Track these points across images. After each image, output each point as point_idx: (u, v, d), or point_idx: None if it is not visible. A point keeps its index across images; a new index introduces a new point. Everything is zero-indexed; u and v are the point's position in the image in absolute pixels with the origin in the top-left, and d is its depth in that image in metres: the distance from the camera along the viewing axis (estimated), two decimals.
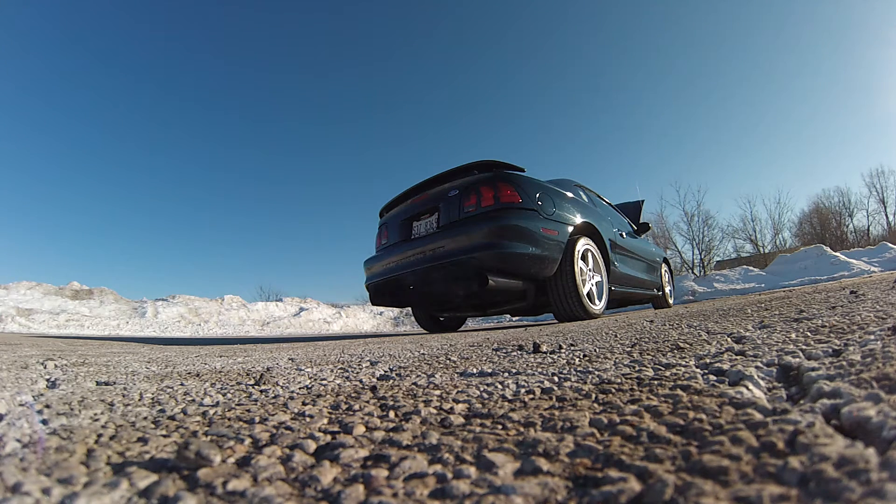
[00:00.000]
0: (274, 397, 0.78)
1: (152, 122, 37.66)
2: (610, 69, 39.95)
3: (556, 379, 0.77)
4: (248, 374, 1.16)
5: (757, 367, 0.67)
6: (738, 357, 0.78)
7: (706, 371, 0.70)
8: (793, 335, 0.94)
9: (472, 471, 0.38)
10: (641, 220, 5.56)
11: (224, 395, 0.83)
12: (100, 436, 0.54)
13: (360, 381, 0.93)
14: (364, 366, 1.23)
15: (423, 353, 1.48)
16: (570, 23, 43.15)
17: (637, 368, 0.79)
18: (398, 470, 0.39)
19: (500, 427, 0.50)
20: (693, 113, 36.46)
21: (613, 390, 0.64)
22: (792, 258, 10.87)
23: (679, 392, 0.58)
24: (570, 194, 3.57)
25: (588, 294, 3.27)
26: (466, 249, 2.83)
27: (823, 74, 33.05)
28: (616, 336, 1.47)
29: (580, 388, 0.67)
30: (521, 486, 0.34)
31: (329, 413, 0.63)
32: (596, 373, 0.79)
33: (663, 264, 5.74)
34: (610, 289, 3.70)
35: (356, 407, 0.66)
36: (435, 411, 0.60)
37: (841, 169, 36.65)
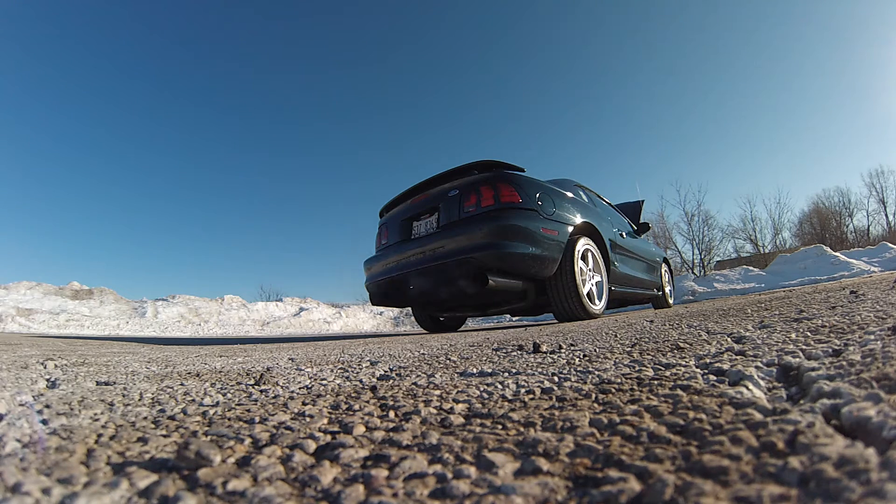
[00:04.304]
0: (274, 397, 0.78)
1: (152, 122, 37.65)
2: (610, 69, 39.98)
3: (556, 379, 0.77)
4: (248, 374, 1.16)
5: (757, 367, 0.67)
6: (738, 357, 0.78)
7: (706, 371, 0.70)
8: (793, 335, 0.94)
9: (472, 471, 0.38)
10: (641, 220, 5.56)
11: (224, 395, 0.83)
12: (100, 436, 0.54)
13: (360, 381, 0.93)
14: (364, 366, 1.23)
15: (423, 353, 1.48)
16: (570, 23, 43.18)
17: (637, 368, 0.79)
18: (398, 470, 0.39)
19: (500, 427, 0.50)
20: (693, 113, 36.50)
21: (613, 390, 0.64)
22: (792, 258, 10.87)
23: (679, 392, 0.58)
24: (570, 194, 3.57)
25: (588, 294, 3.27)
26: (466, 249, 2.83)
27: (823, 74, 33.09)
28: (616, 336, 1.47)
29: (580, 388, 0.67)
30: (521, 486, 0.34)
31: (329, 413, 0.63)
32: (596, 373, 0.79)
33: (663, 264, 5.74)
34: (610, 289, 3.70)
35: (356, 407, 0.66)
36: (435, 411, 0.60)
37: (841, 169, 36.73)
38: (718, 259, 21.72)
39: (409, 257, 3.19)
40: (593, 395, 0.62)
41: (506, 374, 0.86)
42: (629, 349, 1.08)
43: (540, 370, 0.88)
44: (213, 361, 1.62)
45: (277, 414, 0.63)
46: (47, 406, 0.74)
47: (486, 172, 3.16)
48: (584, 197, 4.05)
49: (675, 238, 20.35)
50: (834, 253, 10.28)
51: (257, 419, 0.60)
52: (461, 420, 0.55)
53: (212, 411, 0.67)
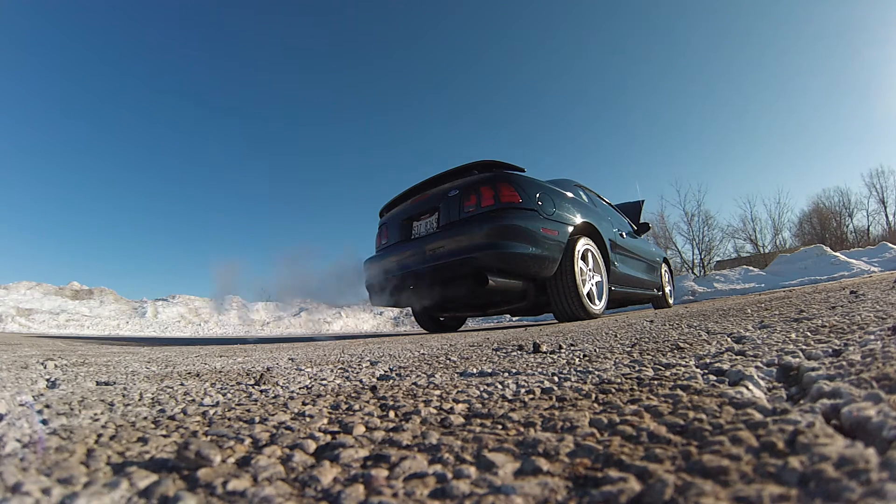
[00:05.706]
0: (274, 397, 0.78)
1: (152, 122, 37.65)
2: (610, 69, 39.97)
3: (556, 379, 0.77)
4: (248, 374, 1.16)
5: (757, 367, 0.67)
6: (738, 357, 0.78)
7: (706, 371, 0.70)
8: (793, 335, 0.94)
9: (472, 471, 0.38)
10: (641, 220, 5.56)
11: (224, 395, 0.83)
12: (100, 436, 0.54)
13: (360, 381, 0.93)
14: (364, 366, 1.23)
15: (423, 353, 1.48)
16: (570, 23, 43.19)
17: (637, 368, 0.79)
18: (398, 470, 0.39)
19: (500, 427, 0.50)
20: (693, 113, 36.47)
21: (613, 390, 0.64)
22: (792, 258, 10.87)
23: (679, 392, 0.58)
24: (570, 194, 3.57)
25: (588, 294, 3.27)
26: (466, 249, 2.83)
27: (824, 74, 33.05)
28: (616, 336, 1.47)
29: (580, 388, 0.67)
30: (521, 486, 0.34)
31: (329, 413, 0.63)
32: (596, 373, 0.79)
33: (663, 264, 5.74)
34: (610, 289, 3.70)
35: (356, 407, 0.65)
36: (435, 411, 0.60)
37: (841, 169, 36.59)
38: (718, 259, 21.72)
39: (409, 257, 3.19)
40: (593, 395, 0.62)
41: (506, 374, 0.86)
42: (629, 349, 1.08)
43: (540, 370, 0.88)
44: (213, 361, 1.62)
45: (277, 414, 0.63)
46: (47, 406, 0.74)
47: (487, 172, 3.16)
48: (584, 197, 4.05)
49: (675, 238, 20.36)
50: (834, 253, 10.28)
51: (257, 419, 0.60)
52: (461, 420, 0.55)
53: (212, 411, 0.67)
